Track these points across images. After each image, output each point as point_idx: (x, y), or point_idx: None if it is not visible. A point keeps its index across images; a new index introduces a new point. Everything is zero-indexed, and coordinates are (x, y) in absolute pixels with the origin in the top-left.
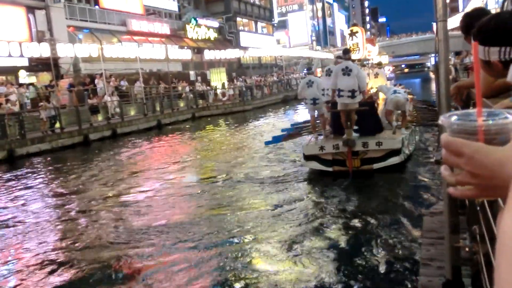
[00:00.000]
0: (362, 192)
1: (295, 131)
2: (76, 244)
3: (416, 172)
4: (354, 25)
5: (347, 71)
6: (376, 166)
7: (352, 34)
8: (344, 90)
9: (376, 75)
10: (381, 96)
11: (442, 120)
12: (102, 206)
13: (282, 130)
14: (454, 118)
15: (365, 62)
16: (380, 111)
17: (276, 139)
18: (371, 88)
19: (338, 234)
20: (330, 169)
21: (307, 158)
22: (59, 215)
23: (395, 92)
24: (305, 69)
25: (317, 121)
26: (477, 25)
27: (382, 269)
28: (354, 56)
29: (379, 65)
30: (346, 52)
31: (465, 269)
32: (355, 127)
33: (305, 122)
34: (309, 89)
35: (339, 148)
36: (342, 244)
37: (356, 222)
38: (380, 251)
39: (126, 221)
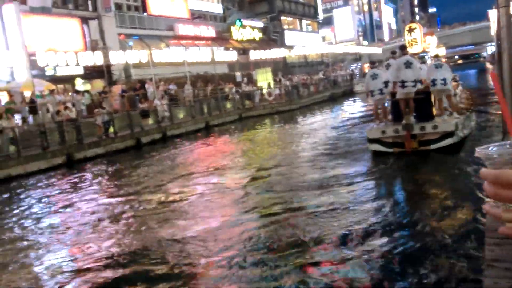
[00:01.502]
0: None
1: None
2: (122, 246)
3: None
4: (412, 22)
5: (408, 64)
6: (433, 146)
7: (411, 30)
8: (408, 81)
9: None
10: None
11: (478, 152)
12: (150, 208)
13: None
14: (491, 149)
15: (423, 55)
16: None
17: None
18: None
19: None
20: (390, 150)
21: (371, 141)
22: (113, 215)
23: (434, 83)
24: (367, 63)
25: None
26: None
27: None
28: (412, 50)
29: (436, 57)
30: (403, 48)
31: None
32: (413, 114)
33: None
34: (374, 81)
35: (398, 132)
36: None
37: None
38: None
39: (172, 225)
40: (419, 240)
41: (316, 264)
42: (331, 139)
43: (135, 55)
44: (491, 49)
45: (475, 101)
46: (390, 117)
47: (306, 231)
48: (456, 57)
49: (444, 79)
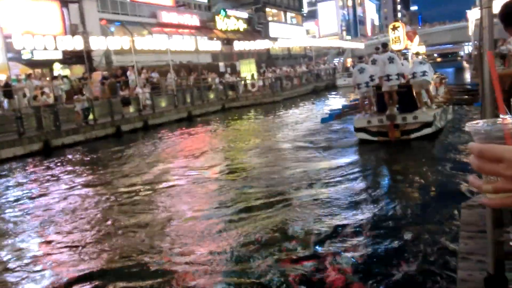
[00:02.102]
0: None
1: (344, 110)
2: (100, 233)
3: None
4: (396, 21)
5: (391, 60)
6: (413, 136)
7: (394, 28)
8: (392, 74)
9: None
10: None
11: (468, 127)
12: (125, 198)
13: (331, 111)
14: (480, 124)
15: (404, 52)
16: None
17: (330, 117)
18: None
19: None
20: (375, 138)
21: (357, 130)
22: (89, 203)
23: (414, 75)
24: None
25: (365, 102)
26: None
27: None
28: (395, 47)
29: (417, 54)
30: (385, 45)
31: (508, 263)
32: (396, 105)
33: (350, 105)
34: (361, 75)
35: (383, 121)
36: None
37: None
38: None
39: (148, 217)
40: (398, 233)
41: (297, 258)
42: (313, 131)
43: (117, 42)
44: (468, 48)
45: (452, 96)
46: (374, 108)
47: (286, 224)
48: (435, 55)
49: (424, 71)
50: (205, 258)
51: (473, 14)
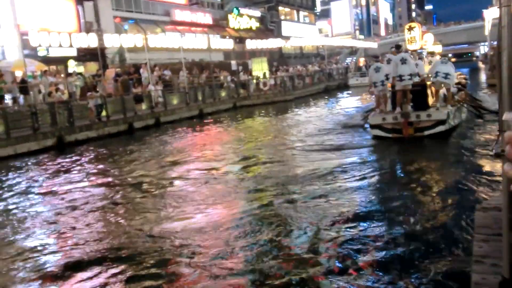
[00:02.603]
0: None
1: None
2: (112, 231)
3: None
4: (412, 21)
5: (404, 61)
6: (426, 132)
7: (410, 28)
8: (405, 75)
9: (430, 63)
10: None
11: (507, 116)
12: (136, 196)
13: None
14: None
15: (419, 51)
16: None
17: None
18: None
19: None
20: (389, 135)
21: (372, 127)
22: (98, 198)
23: (437, 75)
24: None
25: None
26: None
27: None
28: (411, 47)
29: (432, 54)
30: (398, 47)
31: None
32: (410, 104)
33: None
34: (377, 74)
35: (397, 119)
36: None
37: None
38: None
39: (158, 216)
40: (409, 235)
41: (303, 259)
42: (325, 130)
43: (130, 39)
44: (484, 48)
45: (468, 96)
46: (389, 106)
47: (295, 224)
48: (450, 55)
49: (446, 74)
50: (210, 258)
51: (490, 13)
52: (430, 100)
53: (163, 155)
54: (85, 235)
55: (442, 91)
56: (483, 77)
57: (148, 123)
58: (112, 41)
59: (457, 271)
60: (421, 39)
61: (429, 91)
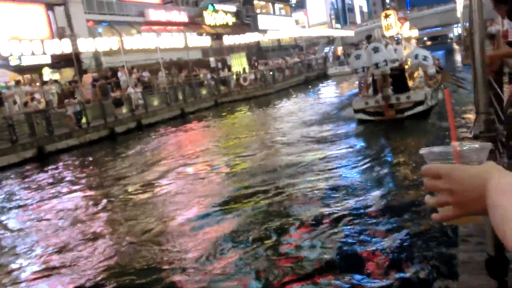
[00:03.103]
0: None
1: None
2: (103, 238)
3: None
4: (387, 9)
5: (375, 50)
6: (406, 113)
7: (386, 16)
8: (380, 62)
9: (405, 48)
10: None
11: (422, 152)
12: (127, 198)
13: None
14: (434, 149)
15: (396, 37)
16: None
17: None
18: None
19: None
20: (372, 118)
21: (356, 111)
22: (85, 208)
23: (416, 57)
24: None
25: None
26: None
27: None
28: (388, 33)
29: (409, 39)
30: (369, 37)
31: None
32: (390, 87)
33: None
34: (357, 61)
35: (379, 102)
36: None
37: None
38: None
39: (148, 218)
40: (395, 216)
41: (295, 255)
42: (307, 121)
43: (105, 42)
44: (457, 30)
45: (447, 74)
46: (371, 91)
47: (284, 218)
48: (425, 38)
49: (425, 56)
50: (200, 261)
51: None
52: (411, 83)
53: (147, 159)
54: (71, 241)
55: (419, 73)
56: (458, 58)
57: (130, 126)
58: (87, 46)
59: (444, 250)
60: (396, 25)
61: (407, 74)
